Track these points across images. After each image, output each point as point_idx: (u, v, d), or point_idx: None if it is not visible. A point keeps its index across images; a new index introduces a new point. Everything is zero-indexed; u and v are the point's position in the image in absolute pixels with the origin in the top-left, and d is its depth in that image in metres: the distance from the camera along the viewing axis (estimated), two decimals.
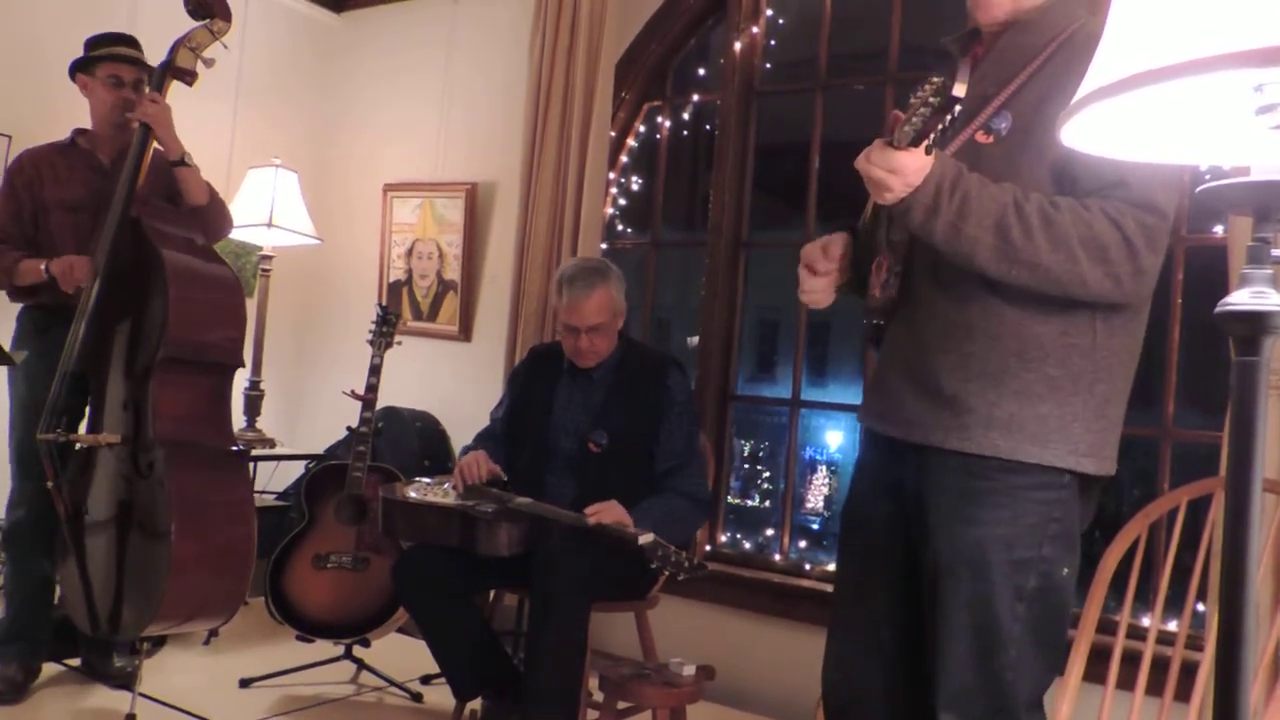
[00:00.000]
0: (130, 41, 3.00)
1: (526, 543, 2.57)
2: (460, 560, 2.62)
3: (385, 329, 3.25)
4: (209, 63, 2.89)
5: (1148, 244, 1.47)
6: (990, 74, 1.65)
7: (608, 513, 2.50)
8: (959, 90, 1.30)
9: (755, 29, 3.67)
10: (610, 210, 3.93)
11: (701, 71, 3.95)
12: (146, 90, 2.94)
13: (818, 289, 1.73)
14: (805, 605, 3.23)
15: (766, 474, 10.47)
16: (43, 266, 2.78)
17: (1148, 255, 1.48)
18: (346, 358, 4.27)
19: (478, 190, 4.12)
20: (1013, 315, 1.55)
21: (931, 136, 1.36)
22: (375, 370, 3.21)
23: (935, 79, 1.32)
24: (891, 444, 1.68)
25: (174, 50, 2.86)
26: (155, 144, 2.83)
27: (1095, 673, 2.01)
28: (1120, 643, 2.00)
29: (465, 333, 4.14)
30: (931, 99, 1.32)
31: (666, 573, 2.39)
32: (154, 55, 3.00)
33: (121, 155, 2.96)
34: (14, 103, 3.49)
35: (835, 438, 10.66)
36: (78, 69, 2.95)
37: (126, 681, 2.92)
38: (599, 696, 2.49)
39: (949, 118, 1.33)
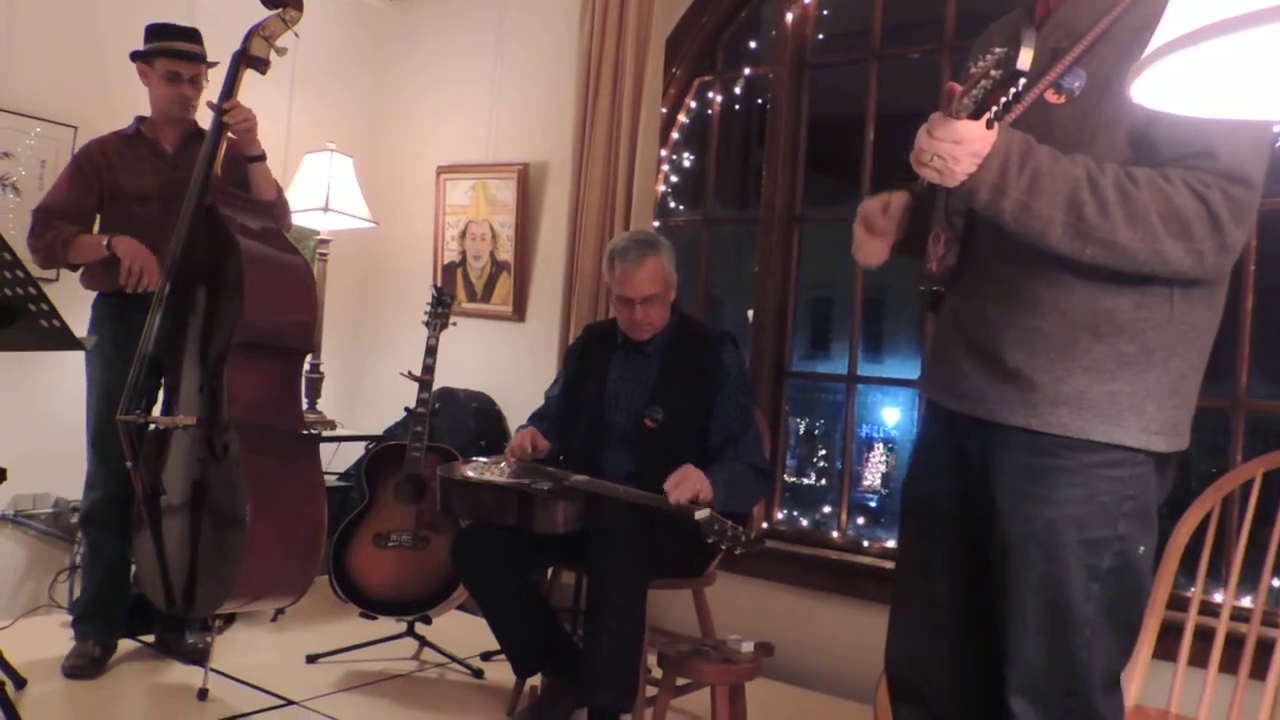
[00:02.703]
0: (190, 35, 3.01)
1: (583, 520, 2.58)
2: (518, 538, 2.64)
3: (440, 310, 3.28)
4: (281, 51, 2.91)
5: (1234, 218, 1.38)
6: (1064, 23, 1.53)
7: (688, 483, 2.47)
8: (1024, 62, 1.20)
9: (807, 0, 3.61)
10: (662, 187, 3.91)
11: (753, 45, 3.90)
12: (204, 80, 2.99)
13: (874, 248, 1.67)
14: (864, 582, 3.20)
15: (823, 451, 10.41)
16: (104, 242, 2.82)
17: (1234, 230, 1.39)
18: (403, 339, 4.32)
19: (529, 171, 4.13)
20: (1083, 288, 1.47)
21: (994, 110, 1.27)
22: (431, 351, 3.24)
23: (999, 48, 1.24)
24: (954, 417, 1.62)
25: (248, 39, 2.88)
26: (230, 135, 2.87)
27: (1166, 650, 1.97)
28: (1192, 619, 1.95)
29: (519, 313, 4.15)
30: (994, 71, 1.24)
31: (724, 547, 2.37)
32: (212, 42, 3.05)
33: (184, 143, 3.02)
34: (78, 94, 3.57)
35: (892, 414, 10.55)
36: (138, 57, 2.99)
37: (199, 657, 3.01)
38: (657, 673, 2.49)
39: (1013, 91, 1.24)
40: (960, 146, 1.37)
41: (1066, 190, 1.39)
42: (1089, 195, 1.39)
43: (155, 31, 3.00)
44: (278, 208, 3.03)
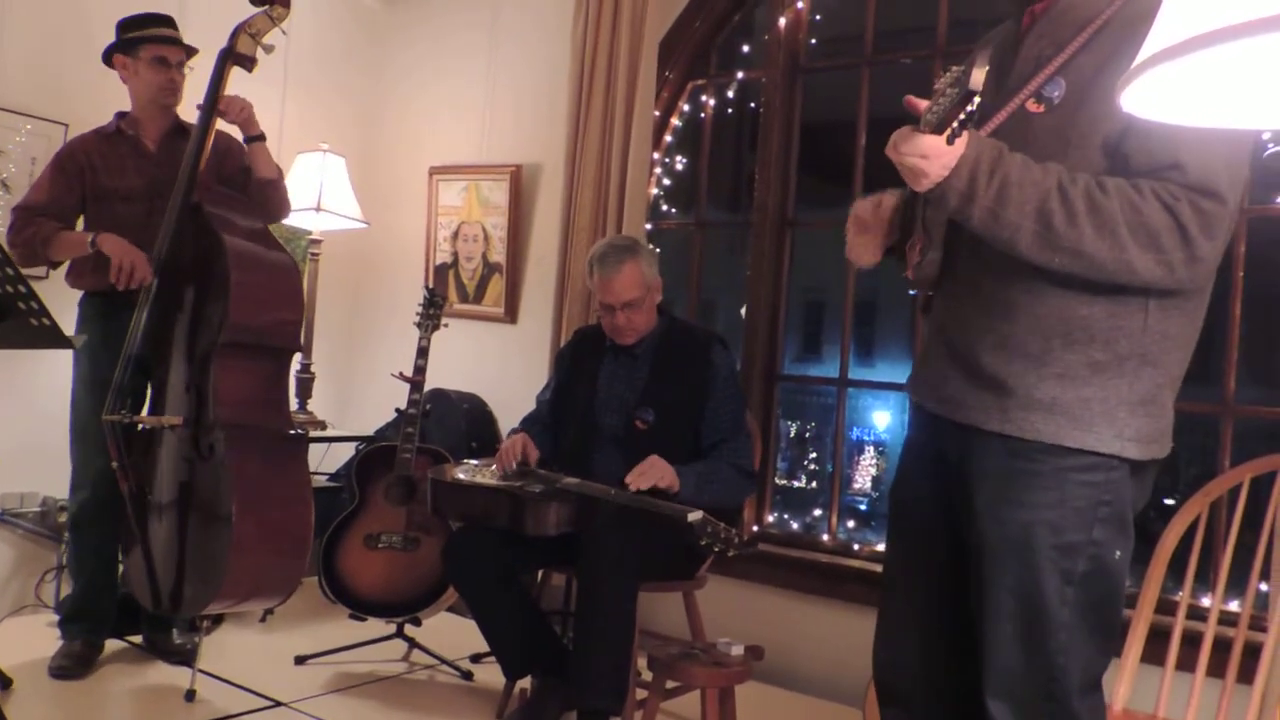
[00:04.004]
0: (169, 21, 2.99)
1: (574, 523, 2.58)
2: (509, 540, 2.64)
3: (432, 311, 3.27)
4: (268, 49, 2.90)
5: (1204, 230, 1.39)
6: (1047, 34, 1.56)
7: (650, 473, 2.50)
8: (975, 82, 1.23)
9: (800, 4, 3.62)
10: (654, 190, 3.91)
11: (746, 49, 3.90)
12: (187, 69, 2.97)
13: (866, 247, 1.69)
14: (853, 585, 3.21)
15: (814, 454, 10.43)
16: (89, 239, 2.79)
17: (1204, 243, 1.40)
18: (394, 340, 4.31)
19: (522, 172, 4.13)
20: (1057, 295, 1.49)
21: (954, 125, 1.30)
22: (423, 352, 3.24)
23: (956, 67, 1.26)
24: (937, 421, 1.64)
25: (234, 36, 2.87)
26: (217, 127, 2.85)
27: (1154, 654, 1.98)
28: (1180, 623, 1.96)
29: (511, 315, 4.15)
30: (949, 90, 1.27)
31: (716, 549, 2.38)
32: (204, 39, 3.04)
33: (167, 140, 2.99)
34: (68, 92, 3.55)
35: (883, 418, 10.58)
36: (118, 50, 2.95)
37: (186, 658, 2.99)
38: (648, 676, 2.49)
39: (968, 110, 1.27)
40: (927, 160, 1.41)
41: (1036, 199, 1.41)
42: (1058, 205, 1.41)
43: (132, 22, 2.97)
44: (277, 190, 3.00)
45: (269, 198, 2.97)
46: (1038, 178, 1.42)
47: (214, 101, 2.82)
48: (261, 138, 2.94)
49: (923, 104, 1.36)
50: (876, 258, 1.72)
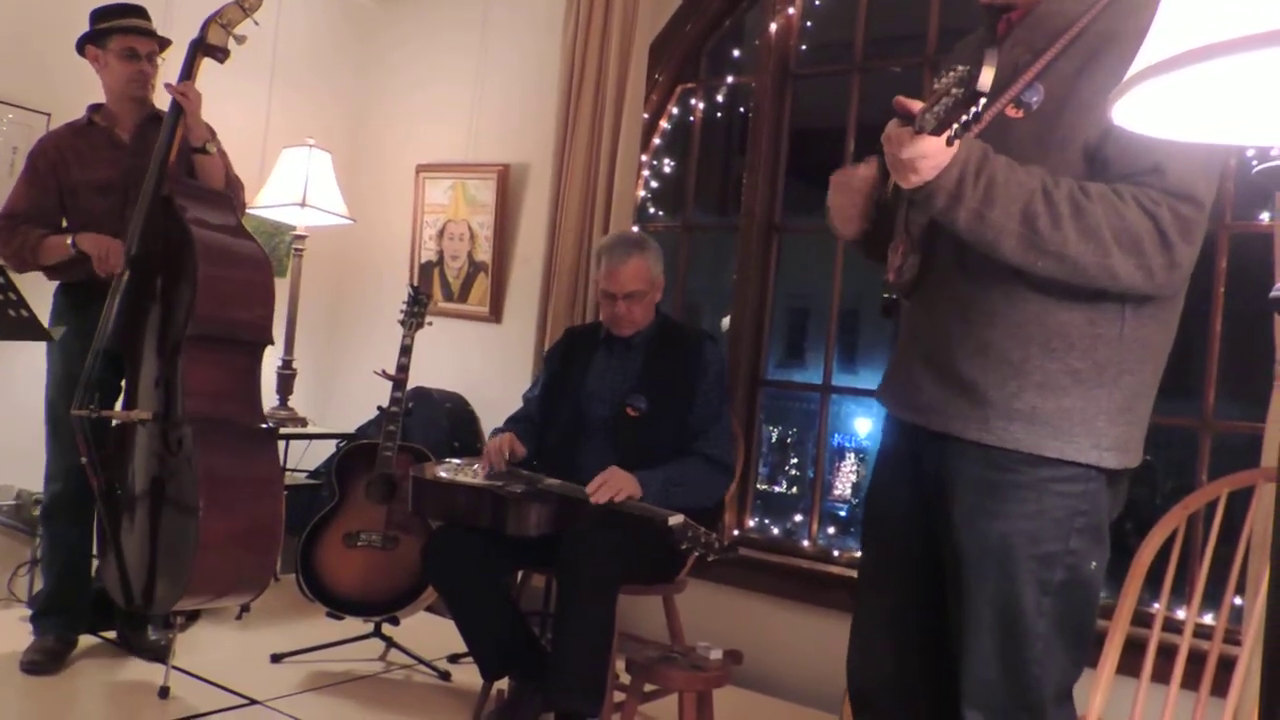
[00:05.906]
0: (141, 12, 2.95)
1: (555, 524, 2.58)
2: (489, 541, 2.63)
3: (416, 309, 3.26)
4: (240, 40, 2.88)
5: (1182, 236, 1.41)
6: (1023, 41, 1.56)
7: (609, 487, 2.50)
8: (984, 82, 1.23)
9: (791, 10, 3.63)
10: (642, 193, 3.91)
11: (736, 53, 3.91)
12: (160, 60, 2.94)
13: (844, 208, 1.66)
14: (833, 591, 3.21)
15: (795, 460, 10.44)
16: (69, 241, 2.77)
17: (1182, 248, 1.41)
18: (378, 338, 4.29)
19: (510, 172, 4.12)
20: (1037, 302, 1.49)
21: (954, 128, 1.29)
22: (406, 350, 3.22)
23: (960, 67, 1.26)
24: (913, 430, 1.64)
25: (205, 27, 2.85)
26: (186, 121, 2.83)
27: (1129, 665, 1.99)
28: (1156, 635, 1.97)
29: (496, 314, 4.14)
30: (954, 90, 1.26)
31: (697, 553, 2.38)
32: (188, 31, 3.01)
33: (141, 130, 2.96)
34: (51, 80, 3.52)
35: (864, 424, 10.60)
36: (88, 41, 2.92)
37: (160, 655, 2.96)
38: (626, 678, 2.49)
39: (973, 111, 1.26)
40: (925, 160, 1.40)
41: (1021, 201, 1.42)
42: (1043, 207, 1.41)
43: (104, 13, 2.93)
44: (231, 193, 2.97)
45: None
46: (1023, 179, 1.43)
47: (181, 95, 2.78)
48: (203, 149, 2.86)
49: (915, 104, 1.35)
50: (855, 227, 1.69)
